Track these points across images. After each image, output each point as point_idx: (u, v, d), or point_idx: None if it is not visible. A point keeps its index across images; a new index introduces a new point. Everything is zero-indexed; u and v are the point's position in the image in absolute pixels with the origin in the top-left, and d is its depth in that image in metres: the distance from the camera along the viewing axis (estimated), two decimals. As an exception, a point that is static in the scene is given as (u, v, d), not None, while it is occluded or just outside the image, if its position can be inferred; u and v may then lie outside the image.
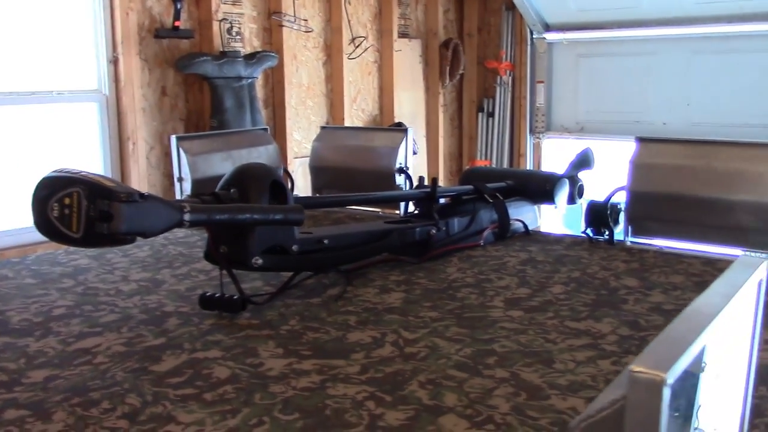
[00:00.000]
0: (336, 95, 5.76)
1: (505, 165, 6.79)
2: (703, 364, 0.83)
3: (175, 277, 2.30)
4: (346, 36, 5.73)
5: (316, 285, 2.18)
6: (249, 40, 5.10)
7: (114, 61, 4.39)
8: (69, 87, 4.29)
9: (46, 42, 4.17)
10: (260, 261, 1.95)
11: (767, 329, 1.72)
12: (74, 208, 1.54)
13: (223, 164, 3.13)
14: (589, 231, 2.70)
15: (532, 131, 6.72)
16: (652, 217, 2.67)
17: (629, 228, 2.68)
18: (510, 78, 6.75)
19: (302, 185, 4.89)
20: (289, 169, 5.04)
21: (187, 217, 1.70)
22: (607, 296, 2.07)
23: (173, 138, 3.16)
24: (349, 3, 5.75)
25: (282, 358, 1.63)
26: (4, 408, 1.40)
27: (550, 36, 6.49)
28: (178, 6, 4.52)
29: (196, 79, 4.75)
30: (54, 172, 1.60)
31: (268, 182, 2.00)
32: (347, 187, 3.46)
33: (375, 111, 6.17)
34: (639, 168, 2.69)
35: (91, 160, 4.36)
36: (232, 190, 1.95)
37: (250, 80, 4.89)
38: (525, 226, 2.84)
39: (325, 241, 2.18)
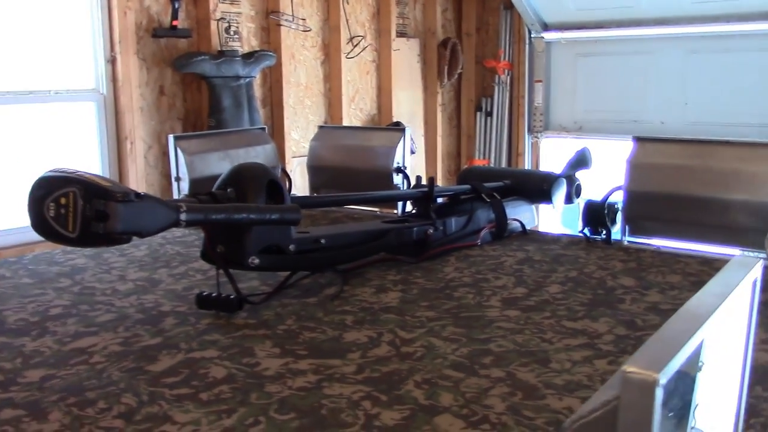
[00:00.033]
0: (334, 94, 5.76)
1: (504, 164, 6.79)
2: (700, 363, 0.83)
3: (172, 276, 2.30)
4: (344, 35, 5.73)
5: (313, 284, 2.18)
6: (247, 40, 5.10)
7: (112, 61, 4.39)
8: (67, 86, 4.29)
9: (44, 41, 4.16)
10: (257, 261, 1.94)
11: (762, 329, 1.73)
12: (70, 208, 1.54)
13: (220, 164, 3.12)
14: (586, 230, 2.70)
15: (530, 130, 6.73)
16: (650, 216, 2.68)
17: (626, 227, 2.68)
18: (508, 77, 6.75)
19: (300, 184, 4.89)
20: (287, 168, 5.04)
21: (183, 216, 1.70)
22: (603, 296, 2.07)
23: (171, 137, 3.15)
24: (347, 2, 5.75)
25: (278, 357, 1.63)
26: (-1, 408, 1.40)
27: (549, 35, 6.49)
28: (176, 5, 4.52)
29: (194, 78, 4.75)
30: (50, 171, 1.60)
31: (265, 182, 1.99)
32: (345, 186, 3.46)
33: (373, 110, 6.17)
34: (636, 167, 2.69)
35: (89, 159, 4.36)
36: (228, 190, 1.94)
37: (248, 79, 4.89)
38: (522, 225, 2.83)
39: (322, 241, 2.18)
